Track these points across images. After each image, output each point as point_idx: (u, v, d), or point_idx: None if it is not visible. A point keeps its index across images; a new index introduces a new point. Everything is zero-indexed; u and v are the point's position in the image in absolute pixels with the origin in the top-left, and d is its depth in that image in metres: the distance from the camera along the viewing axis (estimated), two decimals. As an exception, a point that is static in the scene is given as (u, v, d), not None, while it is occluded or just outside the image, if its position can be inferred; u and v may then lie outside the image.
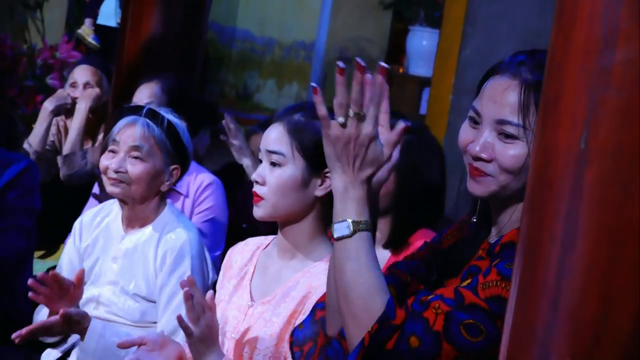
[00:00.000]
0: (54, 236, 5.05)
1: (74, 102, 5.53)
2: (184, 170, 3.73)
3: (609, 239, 1.53)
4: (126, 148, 3.61)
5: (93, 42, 7.55)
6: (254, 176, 2.96)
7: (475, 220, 2.33)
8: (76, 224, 3.82)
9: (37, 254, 5.08)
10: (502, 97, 2.20)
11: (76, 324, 3.39)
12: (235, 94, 9.27)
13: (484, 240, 2.29)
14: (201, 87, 9.11)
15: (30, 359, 3.93)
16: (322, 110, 2.19)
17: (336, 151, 2.18)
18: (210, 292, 2.97)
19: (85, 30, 7.66)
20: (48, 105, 5.46)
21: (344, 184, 2.19)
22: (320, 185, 2.92)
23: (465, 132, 2.26)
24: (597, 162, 1.53)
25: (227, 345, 2.98)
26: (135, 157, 3.61)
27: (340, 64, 2.13)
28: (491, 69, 2.28)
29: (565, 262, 1.56)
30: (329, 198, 2.92)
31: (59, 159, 5.39)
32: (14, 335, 3.30)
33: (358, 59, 2.14)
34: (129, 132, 3.63)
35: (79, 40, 8.06)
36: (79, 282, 3.40)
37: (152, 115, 3.65)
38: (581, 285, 1.55)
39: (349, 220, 2.18)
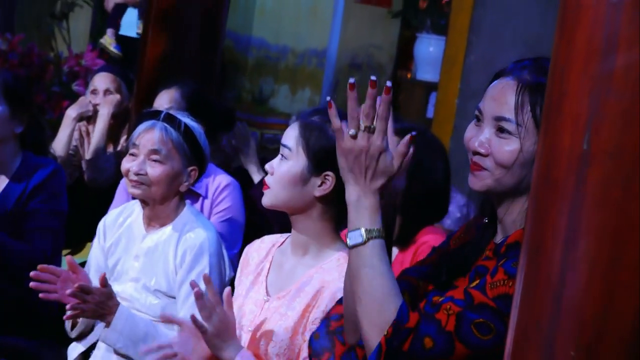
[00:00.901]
0: (79, 235, 5.03)
1: (95, 108, 5.51)
2: (201, 171, 3.72)
3: (611, 237, 1.51)
4: (145, 151, 3.60)
5: (115, 50, 7.54)
6: (266, 166, 2.99)
7: (486, 221, 2.32)
8: (100, 225, 3.82)
9: (64, 252, 5.07)
10: (500, 95, 2.21)
11: (109, 297, 3.41)
12: (251, 98, 9.24)
13: (490, 241, 2.27)
14: (219, 92, 9.09)
15: (61, 353, 3.93)
16: (336, 123, 2.21)
17: (348, 163, 2.20)
18: (228, 288, 2.96)
19: (107, 40, 7.65)
20: (71, 112, 5.44)
21: (357, 194, 2.20)
22: (320, 185, 2.92)
23: (469, 130, 2.28)
24: (599, 162, 1.51)
25: (244, 337, 2.98)
26: (154, 160, 3.60)
27: (351, 80, 2.17)
28: (497, 72, 2.29)
29: (569, 260, 1.53)
30: (331, 199, 2.94)
31: (84, 163, 5.37)
32: (68, 293, 3.29)
33: (373, 77, 2.16)
34: (147, 136, 3.62)
35: (102, 49, 8.05)
36: (73, 269, 3.42)
37: (170, 119, 3.64)
38: (584, 282, 1.52)
39: (362, 229, 2.18)
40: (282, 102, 9.14)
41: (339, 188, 2.89)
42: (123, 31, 7.84)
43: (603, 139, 1.50)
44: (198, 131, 3.70)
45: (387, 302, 2.14)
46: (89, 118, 5.53)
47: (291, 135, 2.93)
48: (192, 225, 3.64)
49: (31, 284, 3.33)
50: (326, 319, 2.55)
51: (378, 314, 2.13)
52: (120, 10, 8.00)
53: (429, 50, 8.50)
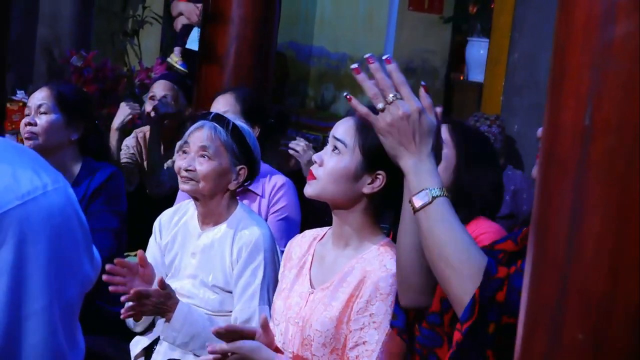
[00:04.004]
0: (143, 238, 4.97)
1: (148, 114, 5.41)
2: (252, 171, 3.63)
3: (615, 214, 1.36)
4: (195, 148, 3.55)
5: (181, 68, 7.50)
6: (314, 157, 2.87)
7: None
8: (156, 224, 3.77)
9: (132, 254, 5.03)
10: None
11: (168, 298, 3.36)
12: (314, 105, 9.20)
13: None
14: (283, 99, 9.07)
15: (119, 348, 3.87)
16: (362, 109, 2.10)
17: (394, 137, 2.07)
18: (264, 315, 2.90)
19: (174, 58, 7.61)
20: (114, 124, 5.37)
21: (413, 162, 2.07)
22: (370, 183, 2.82)
23: None
24: (601, 138, 1.36)
25: (291, 330, 2.90)
26: (203, 156, 3.54)
27: (353, 65, 2.06)
28: None
29: (574, 238, 1.39)
30: (377, 196, 2.83)
31: (145, 178, 5.32)
32: (123, 299, 3.30)
33: (367, 55, 2.06)
34: (197, 134, 3.56)
35: (170, 66, 8.08)
36: (143, 263, 3.43)
37: (219, 119, 3.58)
38: (590, 261, 1.37)
39: (427, 189, 2.05)
40: (344, 107, 9.08)
41: (388, 186, 2.80)
42: (189, 45, 7.82)
43: (605, 113, 1.35)
44: (247, 131, 3.63)
45: (468, 251, 1.98)
46: (130, 122, 5.45)
47: (347, 131, 2.81)
48: (246, 222, 3.56)
49: (104, 277, 3.32)
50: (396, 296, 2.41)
51: (466, 263, 1.97)
52: (187, 30, 7.98)
53: (479, 52, 8.32)
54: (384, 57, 2.06)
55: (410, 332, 2.30)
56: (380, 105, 2.05)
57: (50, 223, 1.47)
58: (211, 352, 2.87)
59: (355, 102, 2.11)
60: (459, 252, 1.98)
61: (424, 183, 2.06)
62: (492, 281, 1.94)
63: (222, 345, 2.86)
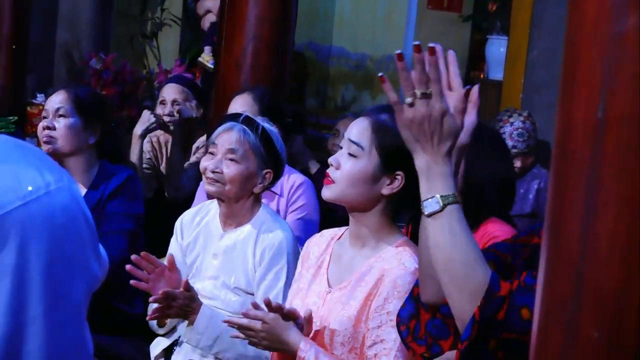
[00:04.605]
0: (162, 241, 4.97)
1: (162, 119, 5.39)
2: (277, 174, 3.60)
3: (630, 209, 1.32)
4: (223, 150, 3.51)
5: (212, 67, 7.49)
6: (330, 159, 2.84)
7: None
8: (177, 224, 3.74)
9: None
10: None
11: (192, 300, 3.34)
12: (334, 105, 9.19)
13: None
14: (303, 100, 9.05)
15: (142, 350, 3.85)
16: (393, 96, 2.04)
17: (413, 133, 2.01)
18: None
19: (205, 58, 7.56)
20: (136, 130, 5.32)
21: (426, 162, 2.02)
22: (389, 184, 2.79)
23: None
24: (615, 131, 1.32)
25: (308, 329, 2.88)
26: (231, 159, 3.50)
27: (398, 51, 2.00)
28: None
29: (588, 234, 1.35)
30: (396, 196, 2.80)
31: (165, 183, 5.29)
32: (151, 300, 3.32)
33: (416, 42, 1.99)
34: (226, 136, 3.52)
35: (193, 64, 8.05)
36: (172, 267, 3.40)
37: (248, 122, 3.54)
38: (604, 256, 1.33)
39: (437, 196, 1.99)
40: (363, 108, 9.08)
41: (406, 186, 2.77)
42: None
43: (618, 106, 1.32)
44: (275, 135, 3.60)
45: (473, 267, 1.94)
46: (163, 127, 5.43)
47: (362, 133, 2.78)
48: (270, 225, 3.53)
49: (127, 266, 3.32)
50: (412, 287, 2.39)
51: (467, 280, 1.94)
52: (215, 28, 7.96)
53: (499, 50, 8.27)
54: (429, 45, 1.99)
55: (411, 326, 2.28)
56: (408, 100, 2.02)
57: (53, 223, 1.44)
58: (245, 316, 2.88)
59: (387, 86, 2.06)
60: (464, 267, 1.95)
61: (435, 188, 2.01)
62: (493, 300, 1.92)
63: (258, 312, 2.85)
